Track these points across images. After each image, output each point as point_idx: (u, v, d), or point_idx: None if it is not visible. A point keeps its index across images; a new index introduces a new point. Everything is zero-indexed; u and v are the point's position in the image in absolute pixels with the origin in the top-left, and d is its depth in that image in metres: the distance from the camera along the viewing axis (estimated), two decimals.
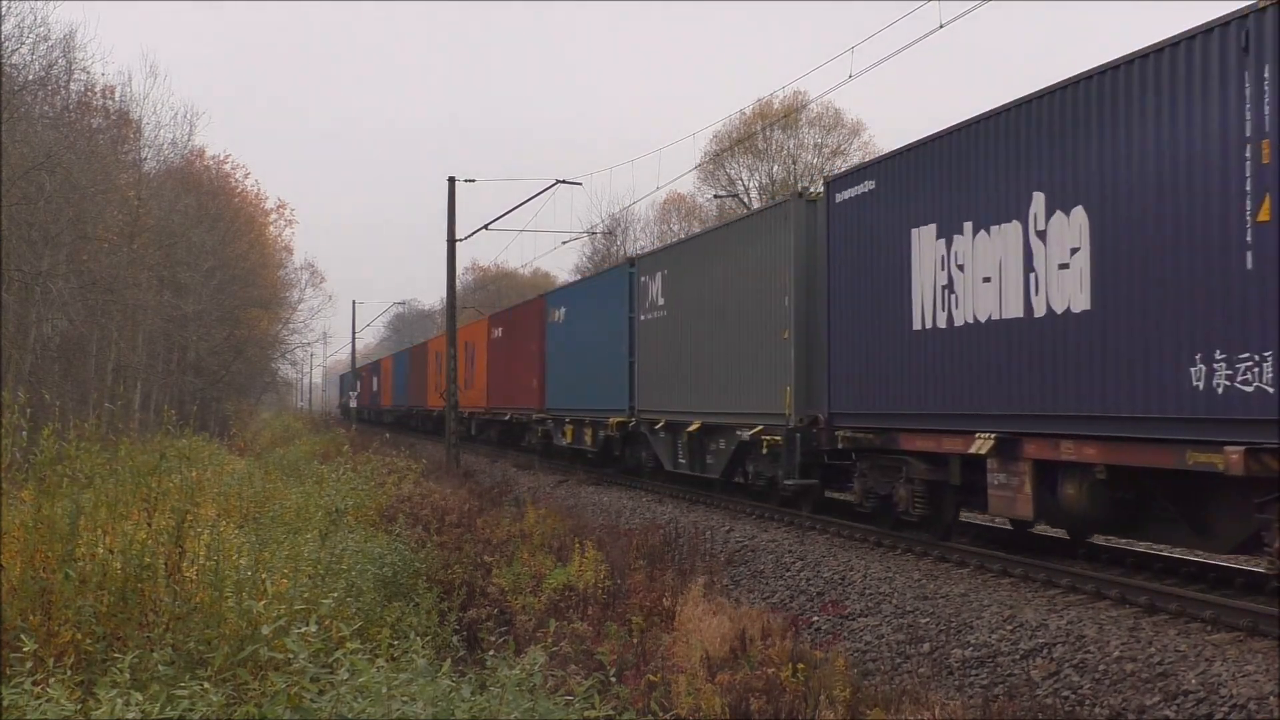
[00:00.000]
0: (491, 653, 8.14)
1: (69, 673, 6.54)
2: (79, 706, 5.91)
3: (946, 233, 13.78)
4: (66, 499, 8.61)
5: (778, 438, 17.73)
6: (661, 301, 23.51)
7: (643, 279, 24.76)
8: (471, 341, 44.02)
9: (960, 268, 13.48)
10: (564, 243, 67.02)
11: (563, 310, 31.10)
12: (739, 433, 19.18)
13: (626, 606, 11.09)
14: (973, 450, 13.05)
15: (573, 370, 29.47)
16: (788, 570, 15.24)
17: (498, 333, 39.44)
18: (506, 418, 37.50)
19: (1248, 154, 9.41)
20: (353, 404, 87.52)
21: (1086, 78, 11.53)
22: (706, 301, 21.16)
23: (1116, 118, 11.06)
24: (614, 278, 27.50)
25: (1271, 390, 9.30)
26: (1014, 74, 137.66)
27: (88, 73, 31.18)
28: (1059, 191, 11.88)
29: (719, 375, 20.43)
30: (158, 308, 33.96)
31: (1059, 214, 11.89)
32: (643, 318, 24.59)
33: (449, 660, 6.80)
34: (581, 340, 28.89)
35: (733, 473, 20.65)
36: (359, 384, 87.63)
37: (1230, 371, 9.71)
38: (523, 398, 34.52)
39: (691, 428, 21.36)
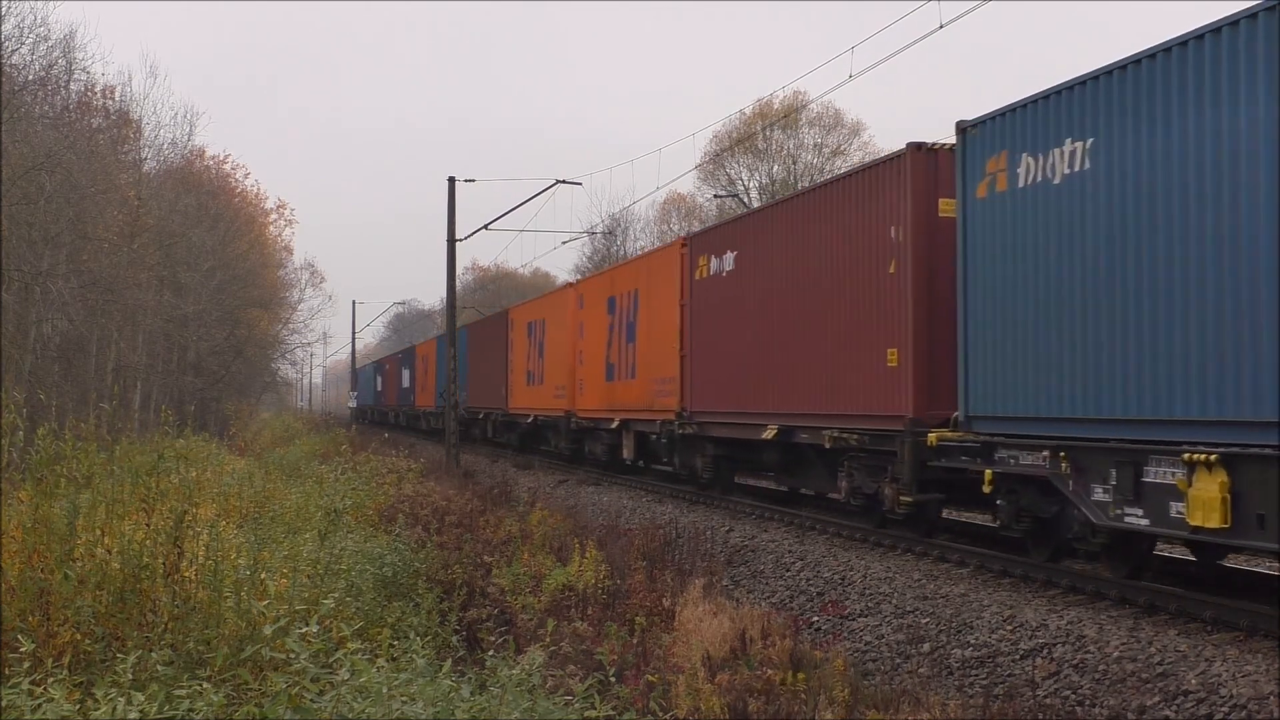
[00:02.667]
0: (491, 653, 8.14)
1: (68, 673, 6.52)
2: (78, 707, 5.90)
3: None
4: (65, 499, 8.60)
5: None
6: None
7: None
8: (629, 292, 25.68)
9: None
10: (564, 243, 67.17)
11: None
12: None
13: (627, 606, 11.07)
14: None
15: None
16: (788, 570, 15.23)
17: (725, 260, 20.46)
18: (770, 435, 18.18)
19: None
20: (352, 404, 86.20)
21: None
22: None
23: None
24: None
25: None
26: (1014, 74, 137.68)
27: (88, 73, 31.23)
28: None
29: None
30: (158, 308, 33.95)
31: None
32: None
33: (449, 660, 6.78)
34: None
35: None
36: (379, 378, 77.06)
37: None
38: (856, 395, 15.85)
39: None
